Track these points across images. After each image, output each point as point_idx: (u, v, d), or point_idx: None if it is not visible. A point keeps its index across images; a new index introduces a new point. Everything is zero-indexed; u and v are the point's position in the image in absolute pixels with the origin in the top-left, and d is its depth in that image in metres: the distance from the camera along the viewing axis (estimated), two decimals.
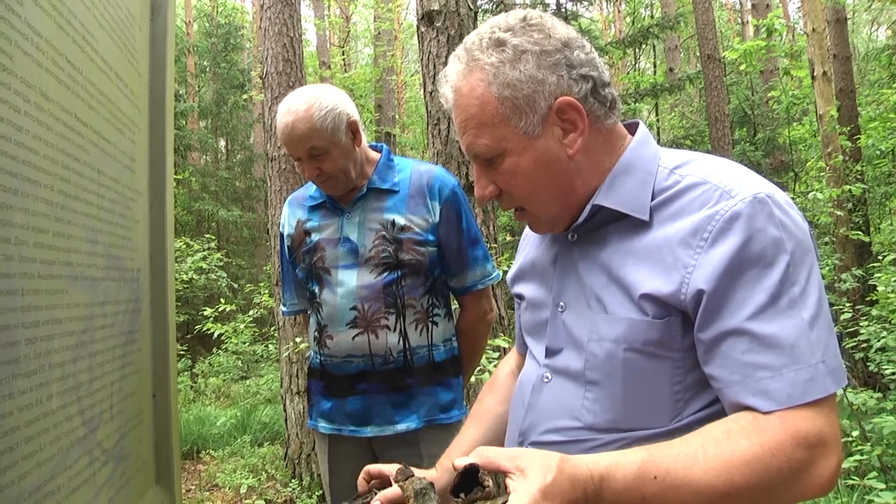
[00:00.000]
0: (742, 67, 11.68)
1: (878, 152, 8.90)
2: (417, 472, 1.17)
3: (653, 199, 1.09)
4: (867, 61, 14.06)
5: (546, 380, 1.20)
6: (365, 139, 2.10)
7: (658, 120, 17.06)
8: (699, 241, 1.01)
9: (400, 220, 2.00)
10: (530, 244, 1.37)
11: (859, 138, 9.09)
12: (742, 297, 0.97)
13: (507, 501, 0.86)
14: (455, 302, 2.24)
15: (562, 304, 1.19)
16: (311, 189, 2.17)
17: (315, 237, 2.08)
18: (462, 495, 0.93)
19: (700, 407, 1.06)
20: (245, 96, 16.54)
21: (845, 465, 3.62)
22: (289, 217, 2.19)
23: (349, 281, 1.99)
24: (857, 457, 3.54)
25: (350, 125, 2.01)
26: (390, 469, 1.21)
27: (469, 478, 0.93)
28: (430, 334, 2.03)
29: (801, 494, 0.93)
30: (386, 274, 1.98)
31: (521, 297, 1.36)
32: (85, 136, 1.15)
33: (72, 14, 1.08)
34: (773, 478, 0.91)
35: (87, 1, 1.15)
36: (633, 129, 1.21)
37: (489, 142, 1.09)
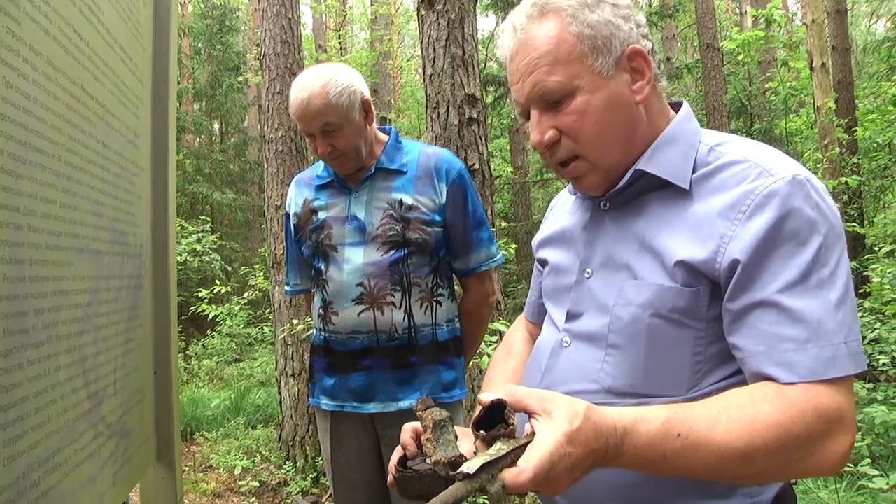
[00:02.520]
0: (740, 58, 11.67)
1: (875, 145, 8.90)
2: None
3: (693, 172, 1.12)
4: (865, 54, 14.06)
5: (565, 344, 1.22)
6: (375, 121, 2.11)
7: None
8: (737, 213, 1.02)
9: (408, 200, 2.01)
10: (560, 212, 1.38)
11: (856, 130, 9.09)
12: (774, 270, 0.99)
13: (530, 442, 0.86)
14: (458, 284, 2.25)
15: (589, 270, 1.21)
16: (318, 169, 2.17)
17: (322, 215, 2.08)
18: (484, 431, 0.92)
19: (718, 379, 1.07)
20: (240, 79, 16.43)
21: None
22: (295, 196, 2.19)
23: (356, 258, 2.00)
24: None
25: (363, 104, 2.03)
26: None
27: (494, 413, 0.92)
28: (434, 313, 2.04)
29: (813, 467, 0.94)
30: (393, 252, 1.99)
31: (544, 262, 1.38)
32: (90, 108, 1.14)
33: None
34: (791, 444, 0.92)
35: None
36: (676, 108, 1.24)
37: (562, 78, 1.09)
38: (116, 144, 1.29)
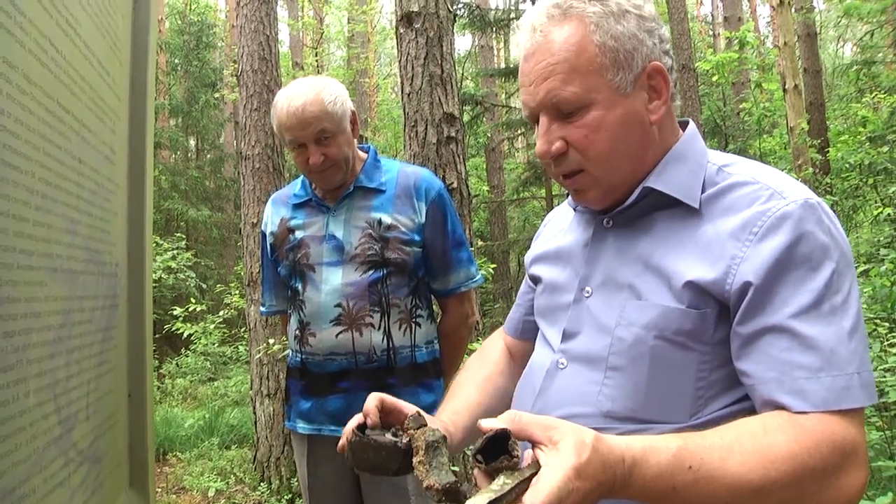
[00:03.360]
0: (714, 79, 11.85)
1: (847, 165, 9.04)
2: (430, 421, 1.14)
3: (703, 192, 1.09)
4: (835, 76, 14.33)
5: (561, 365, 1.18)
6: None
7: None
8: (748, 234, 1.00)
9: (387, 219, 1.98)
10: (557, 228, 1.36)
11: (829, 151, 9.24)
12: (786, 295, 0.96)
13: (536, 474, 0.81)
14: (437, 305, 2.22)
15: (588, 288, 1.17)
16: (295, 187, 2.15)
17: (299, 234, 2.05)
18: (485, 461, 0.86)
19: (720, 406, 1.04)
20: (217, 95, 16.36)
21: None
22: (272, 215, 2.16)
23: (334, 278, 1.97)
24: None
25: (352, 115, 2.03)
26: (406, 408, 1.17)
27: (496, 443, 0.86)
28: (413, 335, 2.01)
29: (828, 502, 0.91)
30: (371, 272, 1.96)
31: (537, 279, 1.34)
32: (66, 123, 1.11)
33: None
34: (807, 477, 0.89)
35: None
36: (683, 126, 1.22)
37: (578, 90, 1.06)
38: (93, 160, 1.25)
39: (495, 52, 18.90)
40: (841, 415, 0.92)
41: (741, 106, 11.86)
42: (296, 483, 4.88)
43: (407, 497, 1.93)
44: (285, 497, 4.77)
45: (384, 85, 22.24)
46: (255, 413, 5.19)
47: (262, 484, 4.97)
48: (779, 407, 0.95)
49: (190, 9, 18.64)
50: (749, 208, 1.03)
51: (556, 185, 9.65)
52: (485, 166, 15.44)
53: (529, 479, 0.81)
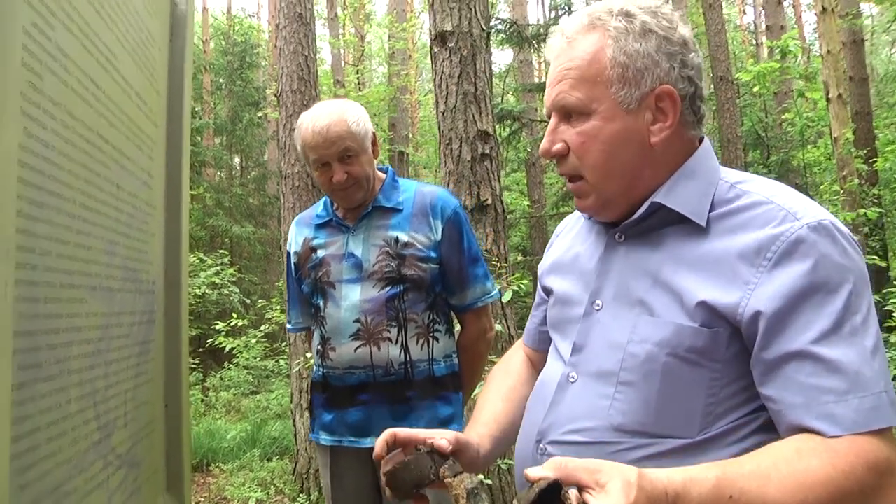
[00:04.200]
0: (755, 89, 11.70)
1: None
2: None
3: (712, 209, 1.11)
4: (886, 83, 14.03)
5: (572, 379, 1.20)
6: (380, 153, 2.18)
7: None
8: (762, 259, 1.02)
9: (403, 237, 2.05)
10: (568, 238, 1.38)
11: (876, 161, 9.06)
12: (806, 320, 0.98)
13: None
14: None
15: (598, 302, 1.19)
16: (317, 209, 2.24)
17: (321, 253, 2.13)
18: None
19: (729, 422, 1.06)
20: (260, 114, 16.68)
21: None
22: (296, 236, 2.25)
23: (353, 295, 2.05)
24: None
25: (373, 137, 2.12)
26: (418, 434, 1.19)
27: (549, 493, 0.88)
28: (431, 349, 2.07)
29: None
30: (389, 288, 2.03)
31: (549, 291, 1.36)
32: (106, 153, 1.20)
33: (96, 36, 1.13)
34: (845, 500, 0.90)
35: (110, 23, 1.20)
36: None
37: (582, 96, 1.11)
38: (131, 186, 1.35)
39: (535, 66, 18.95)
40: (872, 435, 0.94)
41: (783, 116, 11.68)
42: None
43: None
44: None
45: (425, 101, 22.43)
46: (294, 426, 5.29)
47: (301, 495, 5.06)
48: (808, 431, 0.96)
49: (234, 29, 19.07)
50: (762, 229, 1.04)
51: None
52: (525, 181, 15.46)
53: None
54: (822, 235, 1.00)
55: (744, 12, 26.51)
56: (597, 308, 1.19)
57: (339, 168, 2.02)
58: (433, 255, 2.07)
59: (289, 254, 2.30)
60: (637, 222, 1.16)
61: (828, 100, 9.51)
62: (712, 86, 9.56)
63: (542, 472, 0.91)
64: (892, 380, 0.99)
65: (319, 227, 2.19)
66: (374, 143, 2.11)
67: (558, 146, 1.16)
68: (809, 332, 0.97)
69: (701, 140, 1.22)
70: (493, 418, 1.38)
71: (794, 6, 21.53)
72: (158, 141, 1.58)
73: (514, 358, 1.56)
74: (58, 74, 0.97)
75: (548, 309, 1.38)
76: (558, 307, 1.32)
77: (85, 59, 1.08)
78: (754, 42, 22.56)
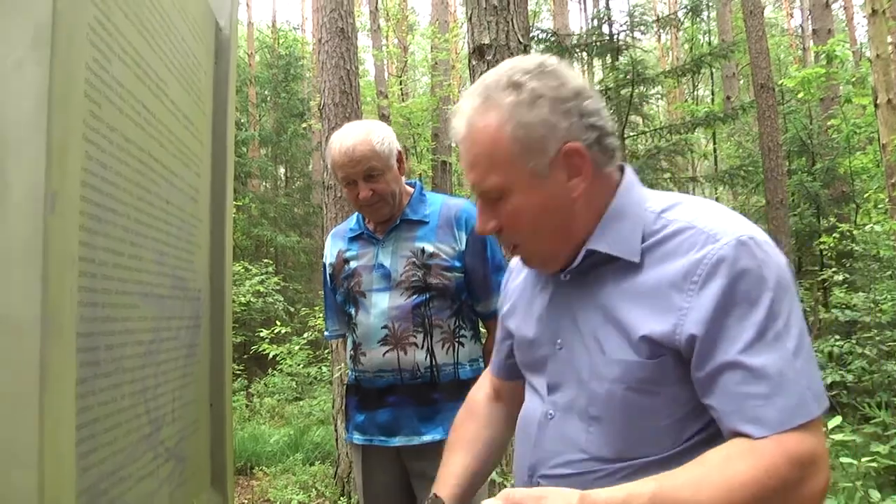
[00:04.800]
0: (800, 96, 11.54)
1: None
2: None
3: (643, 242, 1.16)
4: None
5: (550, 416, 1.27)
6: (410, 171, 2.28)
7: (715, 149, 16.91)
8: (690, 284, 1.08)
9: (429, 248, 2.16)
10: (522, 279, 1.43)
11: None
12: (733, 334, 1.05)
13: None
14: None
15: (559, 341, 1.25)
16: (351, 223, 2.36)
17: (353, 264, 2.25)
18: None
19: (696, 430, 1.13)
20: (304, 125, 16.99)
21: None
22: (331, 248, 2.38)
23: (381, 303, 2.16)
24: None
25: (398, 155, 2.21)
26: None
27: None
28: (456, 353, 2.17)
29: None
30: (415, 296, 2.14)
31: (513, 333, 1.43)
32: (156, 171, 1.32)
33: (148, 65, 1.25)
34: (769, 496, 0.98)
35: (160, 52, 1.32)
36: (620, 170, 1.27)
37: (497, 179, 1.14)
38: (179, 201, 1.46)
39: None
40: (796, 430, 1.01)
41: (829, 123, 11.49)
42: None
43: None
44: None
45: None
46: (336, 431, 5.42)
47: (341, 498, 5.18)
48: (742, 435, 1.04)
49: (278, 42, 19.45)
50: (686, 256, 1.10)
51: None
52: None
53: None
54: (741, 251, 1.06)
55: (791, 16, 26.10)
56: (559, 348, 1.26)
57: (365, 186, 2.14)
58: (457, 264, 2.16)
59: (325, 265, 2.42)
60: (577, 267, 1.22)
61: (876, 105, 9.34)
62: (753, 93, 9.50)
63: (494, 501, 1.00)
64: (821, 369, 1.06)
65: (352, 239, 2.31)
66: (399, 160, 2.21)
67: (491, 225, 1.21)
68: (737, 344, 1.04)
69: (623, 169, 1.26)
70: (455, 475, 1.46)
71: (845, 8, 21.11)
72: (204, 158, 1.70)
73: (478, 396, 1.62)
74: (114, 102, 1.09)
75: (515, 350, 1.44)
76: (524, 349, 1.38)
77: (138, 87, 1.20)
78: (801, 47, 22.17)
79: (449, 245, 2.18)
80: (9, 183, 0.79)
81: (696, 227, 1.12)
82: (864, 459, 3.53)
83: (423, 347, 2.14)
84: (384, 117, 15.21)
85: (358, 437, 2.27)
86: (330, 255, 2.39)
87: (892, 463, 3.72)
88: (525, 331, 1.36)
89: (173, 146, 1.42)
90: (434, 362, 2.15)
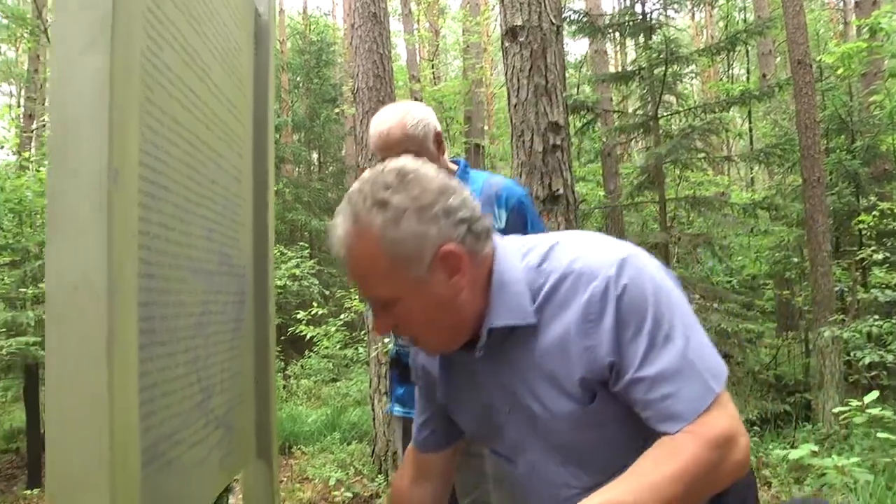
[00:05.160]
0: (840, 72, 11.29)
1: None
2: None
3: (534, 303, 1.21)
4: None
5: (530, 470, 1.34)
6: (448, 152, 2.31)
7: (751, 128, 16.66)
8: (588, 324, 1.16)
9: None
10: (435, 361, 1.46)
11: None
12: (632, 351, 1.14)
13: None
14: None
15: (507, 409, 1.31)
16: None
17: None
18: None
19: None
20: (337, 110, 17.07)
21: None
22: None
23: None
24: None
25: (436, 136, 2.24)
26: None
27: None
28: None
29: (726, 481, 1.12)
30: None
31: (455, 410, 1.47)
32: (203, 152, 1.38)
33: (195, 51, 1.31)
34: (699, 482, 1.07)
35: (205, 39, 1.38)
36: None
37: (383, 292, 1.20)
38: (224, 181, 1.53)
39: (610, 56, 18.77)
40: (706, 413, 1.11)
41: (871, 99, 11.22)
42: None
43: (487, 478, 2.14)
44: None
45: (500, 94, 22.46)
46: (373, 410, 5.51)
47: (379, 476, 5.28)
48: (664, 433, 1.13)
49: (310, 29, 19.54)
50: (576, 301, 1.17)
51: (671, 189, 9.56)
52: (601, 171, 15.37)
53: None
54: (620, 276, 1.15)
55: None
56: (508, 412, 1.32)
57: None
58: None
59: None
60: (487, 344, 1.26)
61: None
62: (789, 70, 9.32)
63: None
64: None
65: None
66: (438, 141, 2.24)
67: (387, 327, 1.28)
68: (637, 359, 1.13)
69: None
70: None
71: None
72: (246, 140, 1.76)
73: (402, 484, 1.60)
74: (165, 87, 1.15)
75: (462, 426, 1.49)
76: (470, 426, 1.44)
77: (186, 73, 1.26)
78: (843, 21, 21.63)
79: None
80: (77, 160, 0.85)
81: (574, 271, 1.19)
82: None
83: None
84: (417, 101, 15.23)
85: (398, 409, 2.35)
86: None
87: None
88: (465, 410, 1.42)
89: (218, 128, 1.48)
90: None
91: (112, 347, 0.85)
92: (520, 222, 2.24)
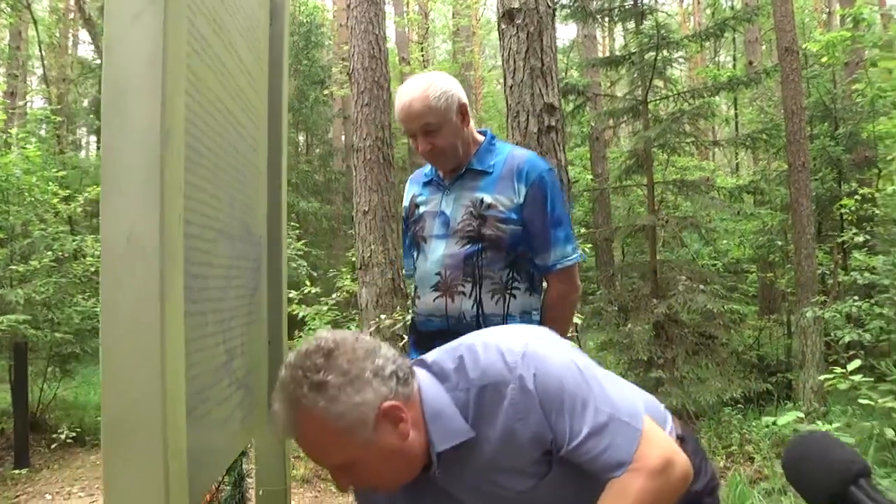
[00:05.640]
0: (824, 60, 11.41)
1: None
2: None
3: (468, 420, 1.32)
4: None
5: None
6: (472, 123, 2.35)
7: (736, 115, 16.78)
8: (519, 422, 1.29)
9: (487, 199, 2.23)
10: (408, 490, 1.50)
11: None
12: (561, 427, 1.28)
13: None
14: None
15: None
16: (426, 168, 2.44)
17: (422, 209, 2.35)
18: None
19: None
20: (326, 92, 16.99)
21: None
22: (407, 192, 2.49)
23: (438, 249, 2.25)
24: None
25: (460, 107, 2.26)
26: None
27: None
28: (507, 305, 2.24)
29: (675, 496, 1.28)
30: (468, 246, 2.22)
31: None
32: (228, 121, 1.42)
33: (223, 22, 1.35)
34: None
35: (232, 12, 1.42)
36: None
37: (340, 459, 1.29)
38: (244, 150, 1.57)
39: (599, 40, 18.80)
40: (639, 449, 1.26)
41: (854, 87, 11.36)
42: None
43: None
44: None
45: (489, 77, 22.46)
46: None
47: None
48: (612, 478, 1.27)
49: (299, 10, 19.42)
50: (502, 406, 1.30)
51: (658, 173, 9.64)
52: (589, 155, 15.45)
53: None
54: (527, 373, 1.28)
55: None
56: None
57: (423, 140, 2.22)
58: (514, 216, 2.22)
59: (404, 208, 2.53)
60: (440, 466, 1.36)
61: None
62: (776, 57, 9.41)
63: None
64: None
65: (425, 184, 2.41)
66: (463, 112, 2.27)
67: (349, 484, 1.35)
68: (567, 433, 1.27)
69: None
70: None
71: None
72: (262, 112, 1.81)
73: None
74: (200, 55, 1.19)
75: None
76: None
77: (216, 42, 1.30)
78: (826, 10, 21.78)
79: (507, 197, 2.24)
80: (133, 121, 0.90)
81: (488, 380, 1.32)
82: (881, 400, 3.65)
83: (470, 297, 2.23)
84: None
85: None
86: (405, 199, 2.49)
87: None
88: None
89: (241, 99, 1.53)
90: (481, 312, 2.23)
91: (164, 295, 0.91)
92: (540, 197, 2.24)
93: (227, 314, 1.43)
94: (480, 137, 2.36)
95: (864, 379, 3.81)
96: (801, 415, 3.63)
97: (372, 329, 4.99)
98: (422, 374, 1.39)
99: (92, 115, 16.65)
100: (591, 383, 1.30)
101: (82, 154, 21.56)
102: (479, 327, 2.22)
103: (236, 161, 1.49)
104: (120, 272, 0.90)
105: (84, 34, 19.26)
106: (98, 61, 17.90)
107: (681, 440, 1.49)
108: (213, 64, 1.28)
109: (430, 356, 1.44)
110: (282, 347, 1.94)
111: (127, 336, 0.89)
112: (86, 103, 18.03)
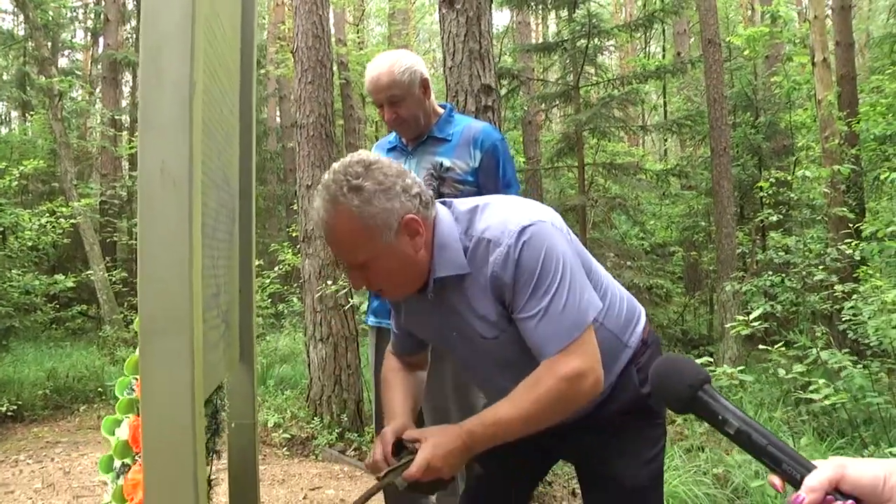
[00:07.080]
0: (746, 53, 12.03)
1: (872, 136, 9.30)
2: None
3: (466, 256, 1.58)
4: (869, 48, 14.34)
5: (477, 374, 1.82)
6: (433, 96, 2.62)
7: (665, 102, 17.41)
8: (497, 278, 1.53)
9: (447, 163, 2.52)
10: (405, 302, 1.80)
11: (852, 122, 9.47)
12: (519, 298, 1.52)
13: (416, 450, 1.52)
14: None
15: (454, 334, 1.69)
16: (391, 136, 2.70)
17: None
18: (396, 453, 1.58)
19: None
20: (262, 71, 16.88)
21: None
22: None
23: None
24: (829, 402, 4.02)
25: (422, 82, 2.55)
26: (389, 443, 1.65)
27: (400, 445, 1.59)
28: None
29: (576, 404, 1.52)
30: None
31: (418, 332, 1.85)
32: (219, 79, 1.61)
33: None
34: (549, 406, 1.49)
35: None
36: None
37: (364, 257, 1.53)
38: (226, 111, 1.76)
39: (533, 27, 19.16)
40: (565, 351, 1.49)
41: (773, 79, 12.02)
42: (345, 418, 5.45)
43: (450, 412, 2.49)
44: (335, 431, 5.34)
45: (424, 60, 22.60)
46: (308, 356, 5.75)
47: (314, 419, 5.54)
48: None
49: None
50: (487, 261, 1.54)
51: (588, 155, 10.02)
52: (521, 139, 15.81)
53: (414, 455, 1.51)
54: (517, 245, 1.50)
55: None
56: (454, 333, 1.69)
57: (389, 110, 2.50)
58: (470, 179, 2.52)
59: None
60: (434, 289, 1.62)
61: (813, 63, 9.87)
62: (700, 48, 9.92)
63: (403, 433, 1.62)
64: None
65: (390, 150, 2.69)
66: (424, 86, 2.55)
67: (363, 284, 1.60)
68: (521, 304, 1.51)
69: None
70: (405, 410, 1.81)
71: None
72: (236, 77, 1.99)
73: (393, 369, 1.93)
74: (207, 18, 1.38)
75: (425, 340, 1.88)
76: (433, 339, 1.84)
77: (210, 12, 1.49)
78: (750, 6, 22.64)
79: (464, 161, 2.53)
80: (168, 73, 1.09)
81: (485, 239, 1.56)
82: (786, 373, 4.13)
83: None
84: (342, 64, 15.25)
85: (372, 320, 2.70)
86: None
87: (808, 380, 4.25)
88: (425, 332, 1.82)
89: (223, 66, 1.71)
90: None
91: (192, 218, 1.11)
92: (493, 163, 2.56)
93: (216, 252, 1.62)
94: (441, 110, 2.65)
95: (765, 324, 4.26)
96: (710, 359, 4.03)
97: (316, 297, 5.18)
98: (442, 210, 1.65)
99: (16, 89, 16.06)
100: (562, 281, 1.50)
101: (3, 130, 20.81)
102: None
103: (221, 116, 1.67)
104: (155, 201, 1.10)
105: (5, 2, 18.56)
106: (22, 33, 17.31)
107: (644, 343, 1.74)
108: (213, 25, 1.46)
109: (452, 200, 1.70)
110: (250, 297, 2.12)
111: (161, 247, 1.09)
112: (6, 77, 17.34)
